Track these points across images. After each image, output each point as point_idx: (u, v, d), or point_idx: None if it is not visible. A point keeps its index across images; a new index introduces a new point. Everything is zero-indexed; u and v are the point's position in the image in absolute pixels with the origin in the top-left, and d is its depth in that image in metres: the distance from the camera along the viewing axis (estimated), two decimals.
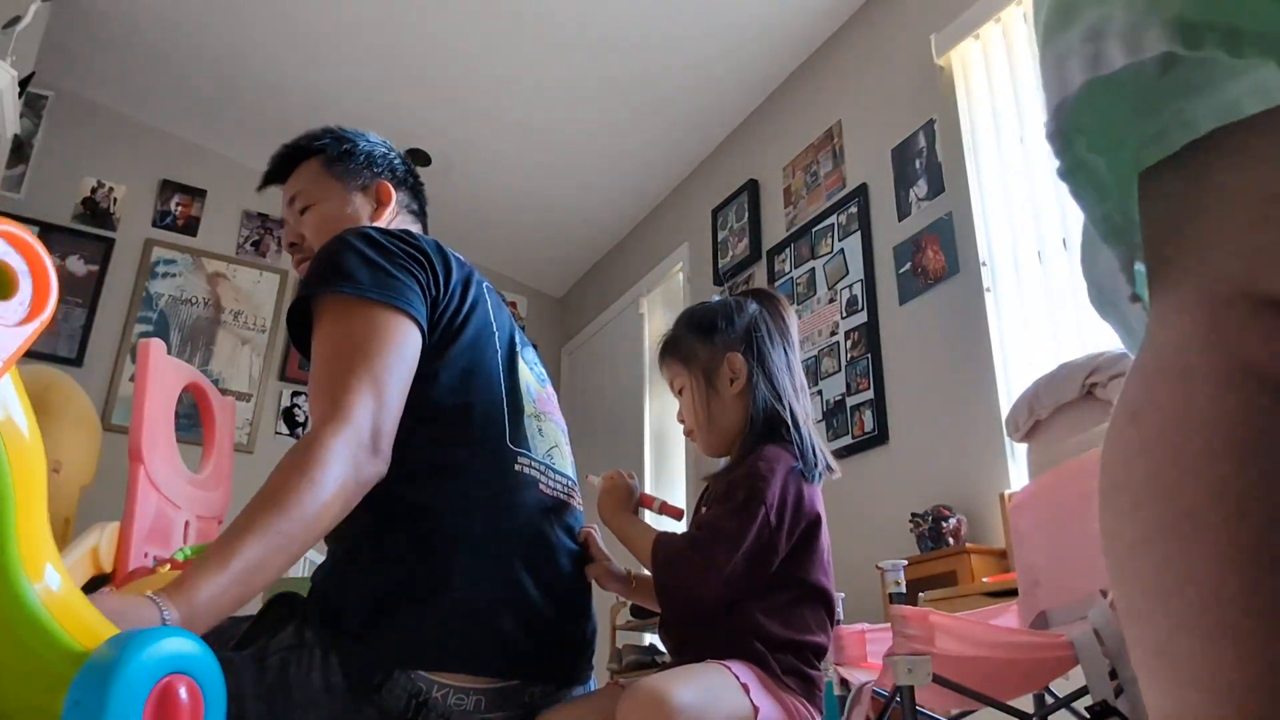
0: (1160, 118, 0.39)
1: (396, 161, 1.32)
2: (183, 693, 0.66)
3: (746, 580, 1.05)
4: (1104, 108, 0.40)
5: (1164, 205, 0.40)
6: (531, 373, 1.17)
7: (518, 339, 1.16)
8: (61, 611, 0.65)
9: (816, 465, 1.15)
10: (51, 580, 0.65)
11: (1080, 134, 0.40)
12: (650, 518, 1.25)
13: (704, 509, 1.19)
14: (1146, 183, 0.41)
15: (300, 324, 1.05)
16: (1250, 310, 0.35)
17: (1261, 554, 0.33)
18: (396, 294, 0.97)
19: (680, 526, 1.22)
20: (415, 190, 1.33)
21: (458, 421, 1.02)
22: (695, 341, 1.25)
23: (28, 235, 0.65)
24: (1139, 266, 0.42)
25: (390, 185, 1.27)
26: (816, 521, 1.12)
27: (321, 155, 1.27)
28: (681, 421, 1.27)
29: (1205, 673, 0.34)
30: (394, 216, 1.27)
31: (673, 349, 1.28)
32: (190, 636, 0.70)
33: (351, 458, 0.88)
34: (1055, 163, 0.42)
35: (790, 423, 1.17)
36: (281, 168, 1.29)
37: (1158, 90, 0.39)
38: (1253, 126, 0.37)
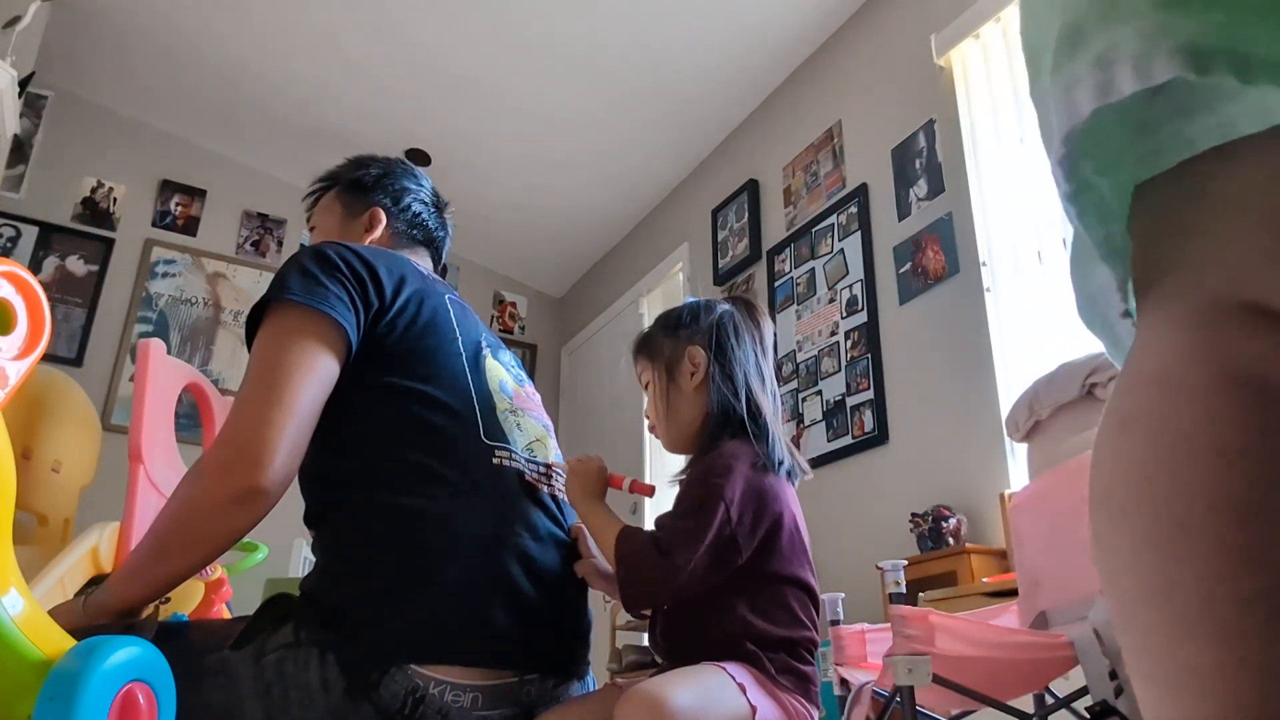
0: (1158, 136, 0.39)
1: (402, 189, 1.37)
2: (141, 700, 0.70)
3: (708, 579, 1.04)
4: (1110, 131, 0.40)
5: (1154, 218, 0.40)
6: (509, 373, 1.20)
7: (486, 342, 1.19)
8: (25, 623, 0.68)
9: (783, 463, 1.14)
10: (13, 597, 0.69)
11: (1088, 158, 0.40)
12: (624, 498, 1.24)
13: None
14: (1140, 198, 0.41)
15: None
16: (1239, 318, 0.35)
17: (1257, 558, 0.33)
18: (320, 299, 1.02)
19: (651, 502, 1.21)
20: (414, 220, 1.36)
21: (426, 423, 1.04)
22: (662, 336, 1.26)
23: (26, 274, 0.67)
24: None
25: (382, 211, 1.34)
26: (784, 515, 1.11)
27: (338, 185, 1.38)
28: (648, 417, 1.27)
29: (1206, 678, 0.33)
30: (383, 240, 1.33)
31: (643, 344, 1.29)
32: (139, 641, 0.73)
33: (215, 472, 0.94)
34: (1064, 186, 0.41)
35: (748, 416, 1.16)
36: (311, 198, 1.42)
37: (1153, 110, 0.39)
38: (1245, 140, 0.37)
